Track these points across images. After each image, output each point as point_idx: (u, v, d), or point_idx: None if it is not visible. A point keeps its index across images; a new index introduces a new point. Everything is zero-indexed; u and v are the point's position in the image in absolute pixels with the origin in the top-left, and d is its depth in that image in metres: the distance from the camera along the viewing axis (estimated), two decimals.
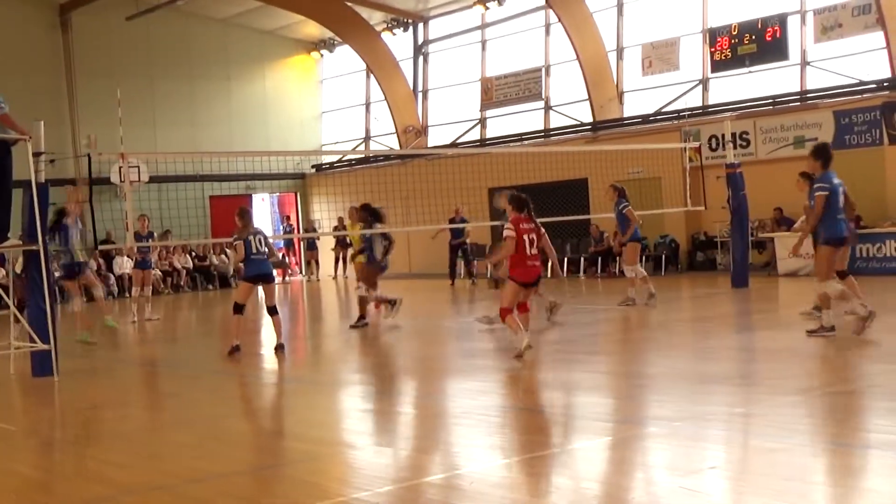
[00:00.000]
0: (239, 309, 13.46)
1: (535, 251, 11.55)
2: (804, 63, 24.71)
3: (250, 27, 35.30)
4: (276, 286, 13.43)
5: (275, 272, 13.72)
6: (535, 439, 7.75)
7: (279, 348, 13.29)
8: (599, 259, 26.24)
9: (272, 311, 13.47)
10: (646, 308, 16.24)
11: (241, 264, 13.63)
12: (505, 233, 11.54)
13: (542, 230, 12.19)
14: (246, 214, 13.47)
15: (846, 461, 6.53)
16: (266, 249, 13.26)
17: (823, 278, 11.55)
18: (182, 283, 30.62)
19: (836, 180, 11.64)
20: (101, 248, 19.86)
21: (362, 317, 16.26)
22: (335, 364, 13.42)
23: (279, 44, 36.39)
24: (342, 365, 13.27)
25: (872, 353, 10.88)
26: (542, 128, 30.34)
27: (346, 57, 36.14)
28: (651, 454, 7.22)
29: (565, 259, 27.25)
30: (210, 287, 31.13)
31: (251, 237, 13.21)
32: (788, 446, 6.95)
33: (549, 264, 15.04)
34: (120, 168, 19.88)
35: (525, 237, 11.47)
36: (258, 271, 13.20)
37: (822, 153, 11.80)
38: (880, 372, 9.67)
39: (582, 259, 26.81)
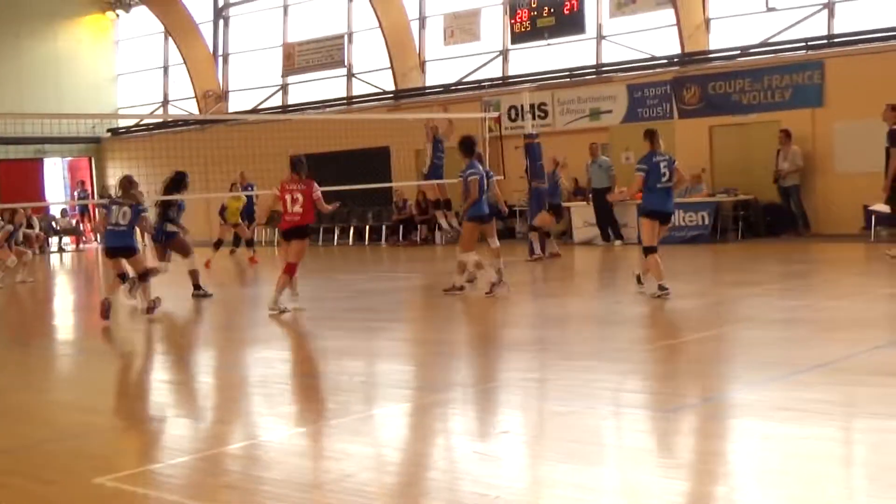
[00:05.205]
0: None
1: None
2: (600, 37, 25.41)
3: None
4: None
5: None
6: (333, 407, 7.76)
7: None
8: (401, 227, 26.42)
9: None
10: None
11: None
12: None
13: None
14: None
15: (631, 424, 6.80)
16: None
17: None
18: None
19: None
20: None
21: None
22: (131, 334, 13.05)
23: (72, 1, 35.00)
24: (138, 335, 12.92)
25: (644, 320, 11.34)
26: (344, 95, 30.24)
27: (143, 18, 35.06)
28: (447, 420, 7.33)
29: (367, 227, 27.35)
30: None
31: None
32: (578, 409, 7.18)
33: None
34: None
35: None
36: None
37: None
38: (661, 337, 10.08)
39: (384, 227, 26.93)
